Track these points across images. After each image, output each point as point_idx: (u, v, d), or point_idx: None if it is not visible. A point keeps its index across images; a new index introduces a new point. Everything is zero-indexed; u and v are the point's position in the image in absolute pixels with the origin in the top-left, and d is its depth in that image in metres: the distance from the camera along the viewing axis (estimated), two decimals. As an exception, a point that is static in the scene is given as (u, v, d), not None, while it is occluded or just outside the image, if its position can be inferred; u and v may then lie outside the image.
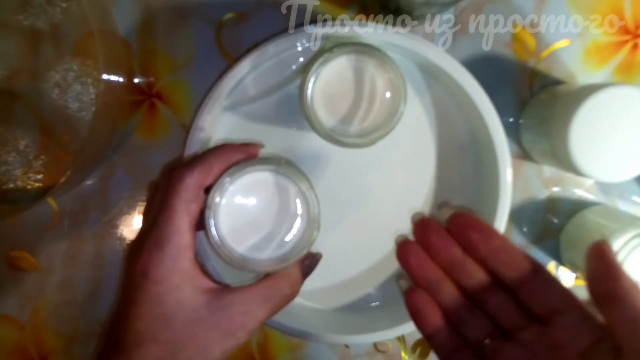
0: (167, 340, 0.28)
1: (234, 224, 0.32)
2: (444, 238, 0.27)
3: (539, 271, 0.26)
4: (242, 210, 0.32)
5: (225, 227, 0.31)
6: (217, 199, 0.31)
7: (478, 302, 0.27)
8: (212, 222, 0.31)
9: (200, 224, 0.31)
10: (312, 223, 0.32)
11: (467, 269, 0.27)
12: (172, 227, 0.29)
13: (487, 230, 0.26)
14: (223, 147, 0.33)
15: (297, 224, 0.32)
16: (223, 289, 0.31)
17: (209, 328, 0.29)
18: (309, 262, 0.34)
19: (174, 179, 0.30)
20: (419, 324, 0.28)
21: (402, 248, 0.28)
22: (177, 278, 0.29)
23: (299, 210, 0.32)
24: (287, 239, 0.32)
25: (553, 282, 0.25)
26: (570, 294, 0.25)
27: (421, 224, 0.28)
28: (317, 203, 0.32)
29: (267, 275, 0.32)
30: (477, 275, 0.27)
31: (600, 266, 0.23)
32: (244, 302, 0.30)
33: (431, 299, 0.28)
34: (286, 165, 0.32)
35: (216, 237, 0.31)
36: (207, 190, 0.31)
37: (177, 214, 0.29)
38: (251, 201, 0.32)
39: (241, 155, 0.32)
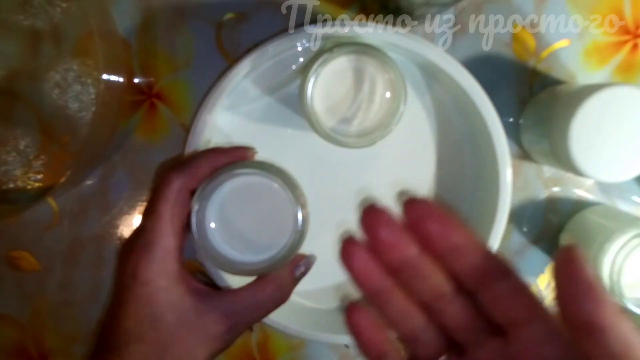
0: (154, 340, 0.29)
1: (220, 227, 0.32)
2: (395, 232, 0.20)
3: (505, 274, 0.20)
4: (228, 213, 0.32)
5: (211, 230, 0.31)
6: (201, 203, 0.31)
7: (433, 313, 0.21)
8: (195, 225, 0.31)
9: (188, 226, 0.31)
10: (300, 225, 0.31)
11: (422, 272, 0.20)
12: (158, 231, 0.30)
13: (448, 222, 0.20)
14: (211, 151, 0.33)
15: (285, 226, 0.32)
16: (212, 291, 0.31)
17: (195, 330, 0.29)
18: (301, 265, 0.34)
19: (161, 183, 0.31)
20: (364, 351, 0.22)
21: (346, 248, 0.21)
22: (164, 280, 0.29)
23: (286, 213, 0.32)
24: (275, 241, 0.32)
25: (521, 288, 0.20)
26: (538, 302, 0.20)
27: (368, 213, 0.21)
28: (305, 205, 0.32)
29: (257, 278, 0.32)
30: (432, 280, 0.21)
31: (576, 285, 0.18)
32: (232, 305, 0.31)
33: (374, 319, 0.22)
34: (273, 169, 0.32)
35: (200, 241, 0.31)
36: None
37: (163, 218, 0.30)
38: (237, 204, 0.32)
39: (229, 158, 0.32)
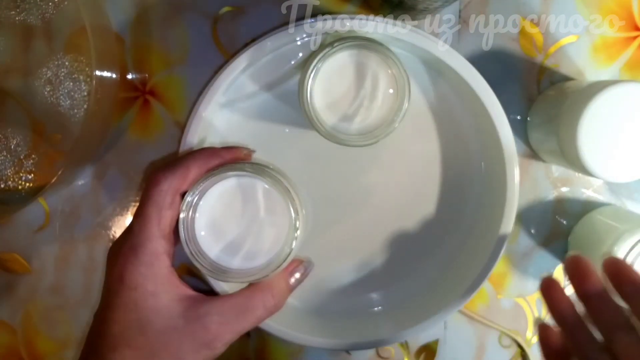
0: (141, 346, 0.29)
1: (210, 232, 0.31)
2: (596, 282, 0.28)
3: None
4: (220, 218, 0.31)
5: (200, 235, 0.31)
6: (190, 208, 0.30)
7: (609, 341, 0.27)
8: (184, 231, 0.30)
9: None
10: (296, 230, 0.31)
11: (608, 306, 0.27)
12: (146, 234, 0.29)
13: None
14: (201, 151, 0.33)
15: (280, 231, 0.31)
16: (201, 297, 0.31)
17: (183, 337, 0.29)
18: (297, 272, 0.34)
19: (150, 184, 0.30)
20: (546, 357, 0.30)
21: (546, 284, 0.30)
22: (152, 284, 0.29)
23: (282, 217, 0.31)
24: (269, 247, 0.31)
25: None
26: None
27: (575, 264, 0.29)
28: (302, 208, 0.31)
29: (250, 285, 0.32)
30: (613, 312, 0.27)
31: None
32: (222, 312, 0.30)
33: (560, 337, 0.29)
34: (267, 171, 0.31)
35: (190, 248, 0.30)
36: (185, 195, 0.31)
37: (152, 221, 0.30)
38: (229, 208, 0.31)
39: (221, 160, 0.32)
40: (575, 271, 0.29)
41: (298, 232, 0.31)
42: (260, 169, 0.31)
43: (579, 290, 0.29)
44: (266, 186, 0.31)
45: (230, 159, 0.32)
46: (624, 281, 0.27)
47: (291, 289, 0.33)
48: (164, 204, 0.30)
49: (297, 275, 0.34)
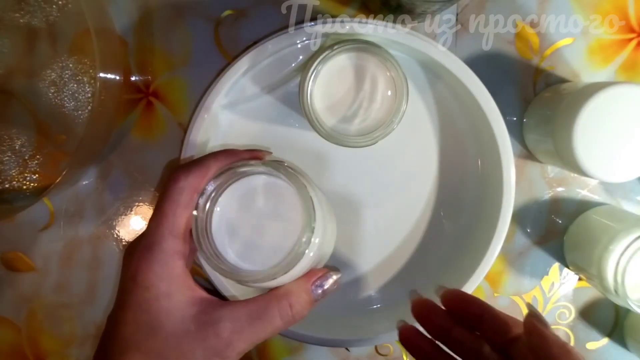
0: (150, 350, 0.27)
1: (227, 231, 0.29)
2: (441, 317, 0.30)
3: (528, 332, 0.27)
4: (236, 217, 0.29)
5: (216, 234, 0.29)
6: (204, 206, 0.29)
7: None
8: (200, 228, 0.29)
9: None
10: (310, 231, 0.28)
11: (462, 338, 0.29)
12: (162, 232, 0.28)
13: (476, 304, 0.29)
14: (224, 151, 0.31)
15: (292, 231, 0.29)
16: (216, 301, 0.29)
17: (194, 343, 0.27)
18: (325, 283, 0.30)
19: (169, 182, 0.29)
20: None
21: (404, 332, 0.31)
22: (165, 285, 0.28)
23: (295, 217, 0.29)
24: (283, 248, 0.28)
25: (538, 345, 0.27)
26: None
27: (419, 305, 0.31)
28: (319, 210, 0.29)
29: (270, 291, 0.29)
30: (470, 344, 0.29)
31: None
32: (235, 318, 0.28)
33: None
34: (286, 170, 0.29)
35: (204, 246, 0.29)
36: None
37: (168, 219, 0.28)
38: (246, 206, 0.29)
39: (240, 160, 0.30)
40: (422, 315, 0.30)
41: (314, 232, 0.28)
42: (277, 165, 0.29)
43: (431, 332, 0.30)
44: (286, 185, 0.29)
45: (250, 159, 0.31)
46: (466, 312, 0.29)
47: (314, 301, 0.30)
48: (181, 201, 0.28)
49: (325, 286, 0.30)
